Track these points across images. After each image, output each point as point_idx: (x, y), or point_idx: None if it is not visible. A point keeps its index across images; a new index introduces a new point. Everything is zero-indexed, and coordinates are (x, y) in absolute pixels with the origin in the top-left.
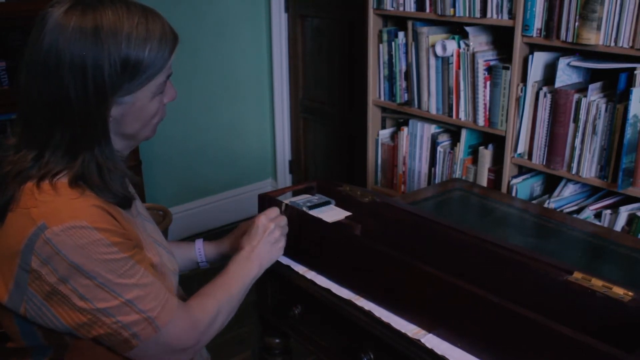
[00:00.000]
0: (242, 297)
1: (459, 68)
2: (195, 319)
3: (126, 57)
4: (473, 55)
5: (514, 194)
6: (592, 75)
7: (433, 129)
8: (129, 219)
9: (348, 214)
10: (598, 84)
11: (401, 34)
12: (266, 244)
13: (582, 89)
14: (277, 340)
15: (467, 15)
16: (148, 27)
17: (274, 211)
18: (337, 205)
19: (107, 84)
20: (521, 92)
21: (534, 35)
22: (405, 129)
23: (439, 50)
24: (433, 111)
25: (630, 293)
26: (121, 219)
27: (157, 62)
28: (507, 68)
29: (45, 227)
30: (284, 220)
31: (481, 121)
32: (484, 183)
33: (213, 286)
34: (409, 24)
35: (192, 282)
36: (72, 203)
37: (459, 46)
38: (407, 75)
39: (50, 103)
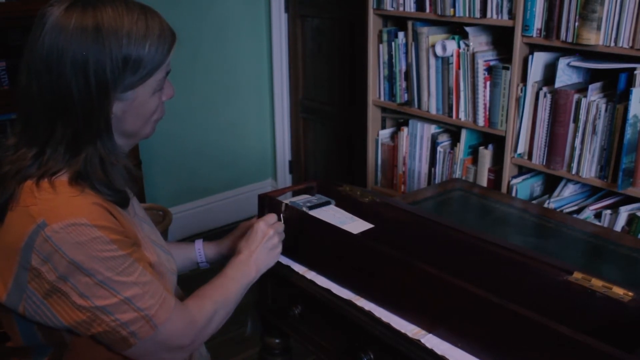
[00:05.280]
0: (238, 300)
1: (459, 68)
2: (192, 318)
3: (127, 54)
4: (473, 55)
5: (514, 194)
6: (592, 76)
7: (433, 129)
8: (128, 218)
9: (371, 226)
10: (598, 84)
11: (401, 34)
12: (264, 249)
13: (582, 89)
14: (277, 340)
15: (467, 15)
16: (147, 23)
17: (272, 217)
18: (337, 205)
19: (109, 81)
20: (521, 92)
21: (534, 35)
22: (405, 129)
23: (439, 50)
24: (433, 111)
25: (630, 293)
26: (120, 217)
27: (157, 58)
28: (507, 68)
29: (45, 224)
30: (282, 226)
31: (481, 121)
32: (484, 183)
33: (210, 288)
34: (409, 24)
35: (192, 282)
36: (71, 201)
37: (459, 46)
38: (407, 76)
39: (52, 100)
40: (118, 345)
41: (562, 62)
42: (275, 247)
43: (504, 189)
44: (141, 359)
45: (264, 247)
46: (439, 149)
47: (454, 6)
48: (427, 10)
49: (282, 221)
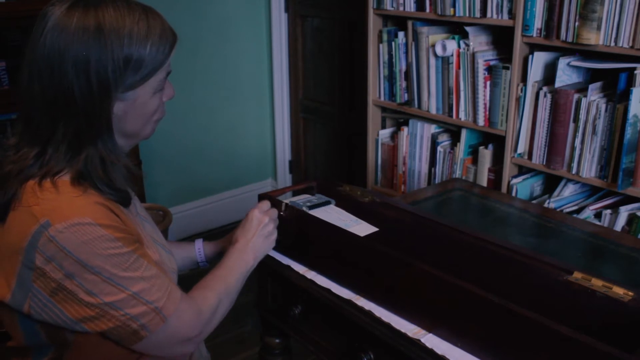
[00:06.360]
0: (239, 288)
1: (459, 68)
2: (199, 309)
3: (129, 53)
4: (473, 55)
5: (514, 194)
6: (592, 75)
7: (433, 129)
8: (130, 217)
9: (375, 229)
10: (598, 84)
11: (401, 34)
12: (260, 236)
13: (582, 89)
14: (277, 340)
15: (467, 15)
16: (149, 23)
17: (266, 204)
18: (337, 205)
19: (110, 81)
20: (521, 92)
21: (534, 35)
22: (405, 129)
23: (439, 50)
24: (433, 111)
25: (630, 293)
26: (123, 215)
27: (158, 58)
28: (507, 68)
29: (48, 224)
30: (275, 212)
31: (481, 121)
32: (484, 183)
33: (212, 279)
34: (409, 23)
35: (192, 282)
36: (74, 201)
37: (459, 46)
38: (407, 75)
39: (54, 99)
40: (128, 339)
41: (562, 62)
42: (271, 234)
43: (504, 189)
44: (151, 352)
45: (260, 234)
46: (439, 148)
47: (454, 6)
48: (427, 10)
49: (281, 215)
